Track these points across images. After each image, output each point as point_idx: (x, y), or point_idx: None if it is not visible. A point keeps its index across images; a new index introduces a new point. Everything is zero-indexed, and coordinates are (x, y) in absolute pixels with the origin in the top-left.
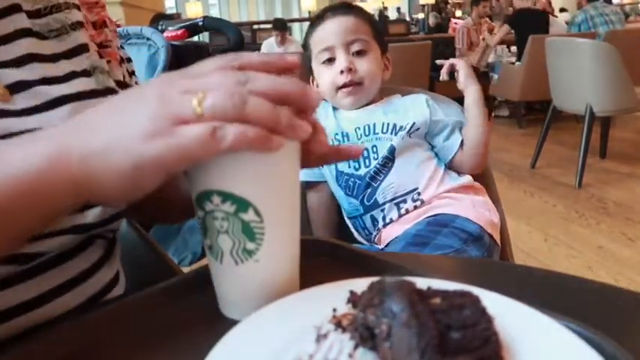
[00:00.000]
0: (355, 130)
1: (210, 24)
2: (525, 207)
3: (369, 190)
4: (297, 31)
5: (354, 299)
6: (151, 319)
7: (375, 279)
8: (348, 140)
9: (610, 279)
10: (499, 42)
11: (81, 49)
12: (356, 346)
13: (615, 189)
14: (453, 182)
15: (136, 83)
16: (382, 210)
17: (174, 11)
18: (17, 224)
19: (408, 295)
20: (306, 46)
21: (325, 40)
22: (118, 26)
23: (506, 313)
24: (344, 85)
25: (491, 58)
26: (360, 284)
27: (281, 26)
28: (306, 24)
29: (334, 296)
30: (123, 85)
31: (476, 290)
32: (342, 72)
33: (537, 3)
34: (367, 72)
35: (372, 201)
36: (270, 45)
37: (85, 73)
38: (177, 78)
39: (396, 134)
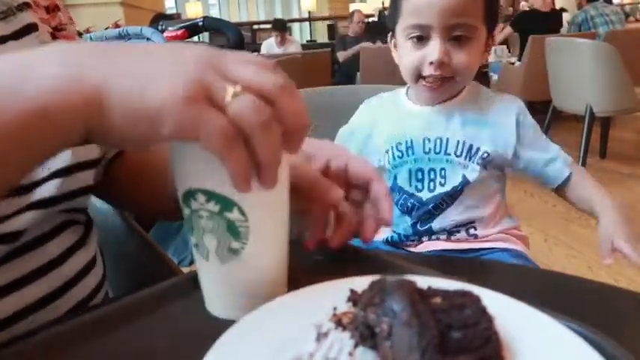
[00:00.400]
0: (424, 141)
1: (210, 24)
2: (525, 207)
3: (426, 217)
4: (297, 31)
5: (354, 298)
6: (151, 319)
7: (375, 277)
8: (412, 154)
9: (610, 279)
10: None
11: (29, 29)
12: (356, 345)
13: (615, 189)
14: (506, 224)
15: None
16: (432, 234)
17: (174, 11)
18: (29, 148)
19: (408, 295)
20: (395, 2)
21: (421, 15)
22: (118, 26)
23: (507, 312)
24: (429, 77)
25: (491, 58)
26: (361, 283)
27: (281, 27)
28: (306, 24)
29: (334, 294)
30: None
31: (476, 290)
32: (431, 63)
33: (544, 3)
34: (464, 66)
35: (425, 227)
36: (269, 45)
37: None
38: (227, 56)
39: (470, 159)
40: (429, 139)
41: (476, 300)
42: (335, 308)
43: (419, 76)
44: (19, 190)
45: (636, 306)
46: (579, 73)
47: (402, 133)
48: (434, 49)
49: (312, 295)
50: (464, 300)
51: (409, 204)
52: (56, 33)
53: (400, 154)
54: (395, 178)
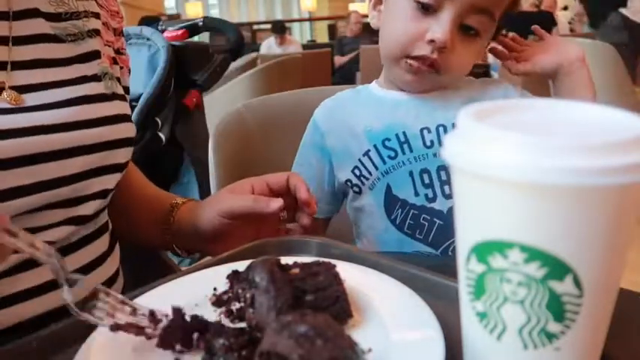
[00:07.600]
0: (422, 132)
1: (210, 24)
2: None
3: (451, 238)
4: (297, 31)
5: (231, 279)
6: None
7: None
8: (410, 150)
9: None
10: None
11: (93, 56)
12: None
13: None
14: None
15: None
16: None
17: (174, 11)
18: None
19: (268, 268)
20: None
21: None
22: None
23: (363, 280)
24: (417, 57)
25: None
26: (243, 265)
27: (280, 29)
28: (306, 24)
29: (217, 277)
30: (127, 91)
31: (342, 263)
32: (431, 41)
33: (542, 4)
34: (460, 65)
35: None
36: (269, 45)
37: (95, 78)
38: None
39: None
40: (428, 129)
41: (329, 268)
42: (215, 289)
43: (404, 55)
44: (64, 204)
45: (637, 306)
46: None
47: (389, 125)
48: (441, 25)
49: (196, 278)
50: (318, 269)
51: (422, 221)
52: (117, 57)
53: (392, 154)
54: (388, 188)
